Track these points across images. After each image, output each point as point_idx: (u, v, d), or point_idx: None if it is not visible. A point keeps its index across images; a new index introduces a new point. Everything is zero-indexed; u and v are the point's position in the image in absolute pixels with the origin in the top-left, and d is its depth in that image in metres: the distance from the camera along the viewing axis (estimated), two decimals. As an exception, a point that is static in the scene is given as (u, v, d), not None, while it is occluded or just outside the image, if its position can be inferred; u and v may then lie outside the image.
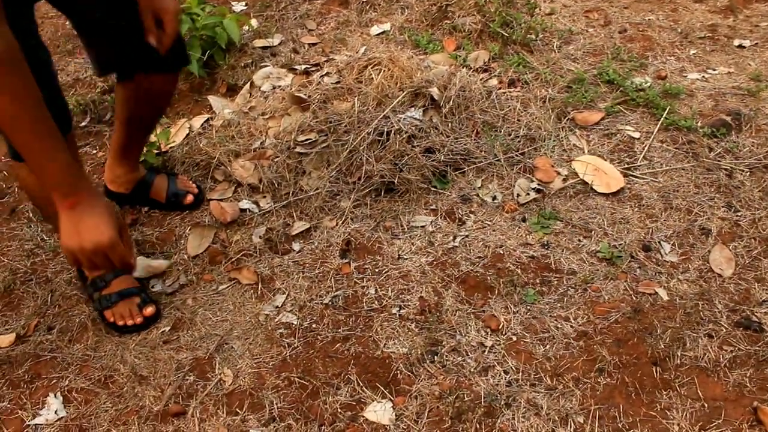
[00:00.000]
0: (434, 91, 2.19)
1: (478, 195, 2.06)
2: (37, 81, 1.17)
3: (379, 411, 1.55)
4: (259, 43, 2.73)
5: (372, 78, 2.26)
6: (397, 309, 1.77)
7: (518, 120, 2.26)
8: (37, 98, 1.16)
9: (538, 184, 2.08)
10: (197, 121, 2.39)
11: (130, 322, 1.74)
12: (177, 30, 1.55)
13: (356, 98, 2.20)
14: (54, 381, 1.65)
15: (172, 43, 1.56)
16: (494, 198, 2.04)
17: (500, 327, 1.72)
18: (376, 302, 1.79)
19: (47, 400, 1.61)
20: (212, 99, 2.48)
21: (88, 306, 1.81)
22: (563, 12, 2.88)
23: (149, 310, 1.76)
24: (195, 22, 2.51)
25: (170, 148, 2.27)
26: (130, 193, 2.01)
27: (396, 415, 1.55)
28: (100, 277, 1.76)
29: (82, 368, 1.67)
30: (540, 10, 2.83)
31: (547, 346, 1.69)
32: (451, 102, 2.20)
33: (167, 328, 1.75)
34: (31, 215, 2.09)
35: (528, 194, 2.05)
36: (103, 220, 1.23)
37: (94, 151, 2.37)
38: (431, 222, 1.98)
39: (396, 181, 2.02)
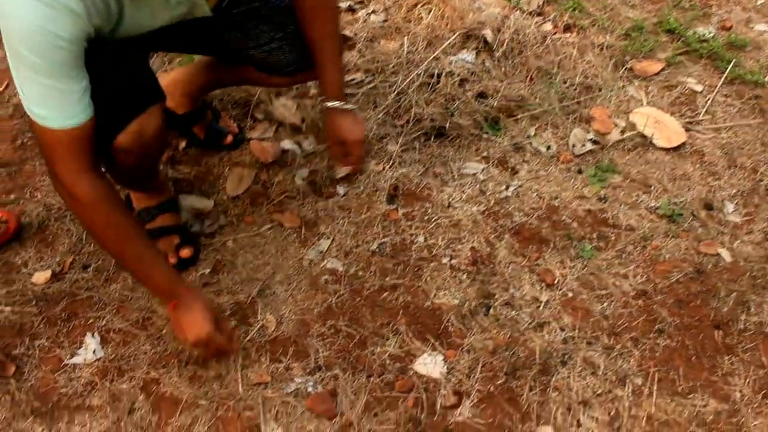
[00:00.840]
0: (488, 34, 2.07)
1: (531, 144, 1.96)
2: (126, 62, 1.31)
3: (430, 364, 1.49)
4: (298, -22, 2.60)
5: (421, 17, 2.14)
6: (448, 259, 1.69)
7: (574, 67, 2.14)
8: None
9: (595, 135, 1.97)
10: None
11: None
12: (363, 157, 1.72)
13: (405, 38, 2.09)
14: (91, 320, 1.59)
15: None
16: (548, 147, 1.94)
17: (555, 282, 1.64)
18: (425, 251, 1.71)
19: (84, 339, 1.55)
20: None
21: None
22: (619, -44, 2.72)
23: (185, 251, 1.68)
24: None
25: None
26: (181, 116, 1.90)
27: (447, 369, 1.48)
28: (146, 209, 1.68)
29: (119, 309, 1.61)
30: (595, -48, 2.67)
31: (605, 304, 1.61)
32: (504, 46, 2.09)
33: (207, 270, 1.68)
34: (64, 149, 2.00)
35: (584, 145, 1.94)
36: (200, 317, 1.38)
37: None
38: (483, 170, 1.89)
39: (447, 126, 1.92)
